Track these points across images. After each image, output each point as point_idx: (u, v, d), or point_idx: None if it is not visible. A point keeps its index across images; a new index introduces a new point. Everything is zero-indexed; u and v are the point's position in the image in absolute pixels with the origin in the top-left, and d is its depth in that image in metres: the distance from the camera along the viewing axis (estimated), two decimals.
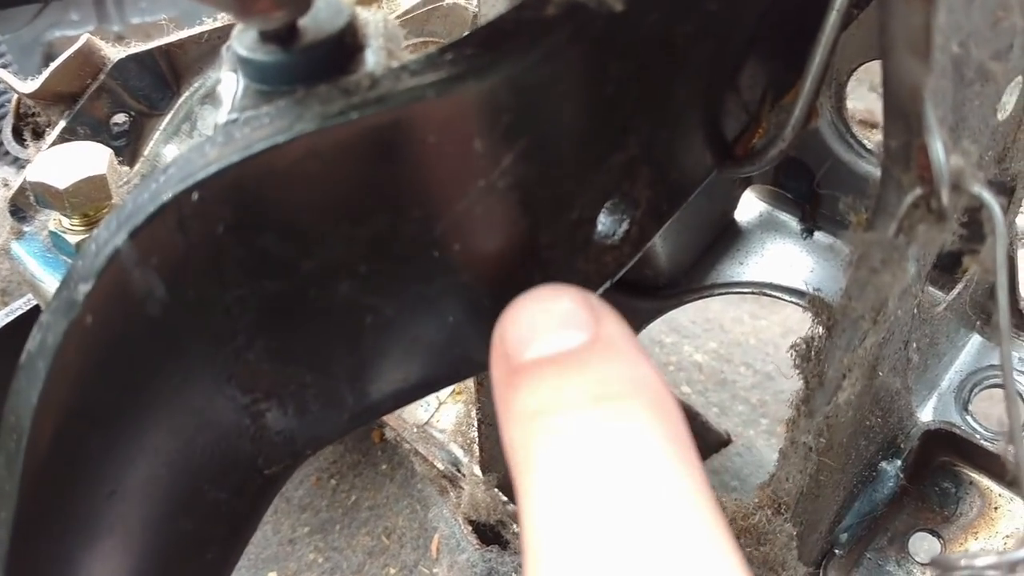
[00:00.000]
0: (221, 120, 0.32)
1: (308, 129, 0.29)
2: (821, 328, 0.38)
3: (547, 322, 0.34)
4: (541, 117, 0.32)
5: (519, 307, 0.35)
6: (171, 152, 0.55)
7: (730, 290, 0.62)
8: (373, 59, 0.35)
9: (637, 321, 0.63)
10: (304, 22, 0.33)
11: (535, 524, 0.30)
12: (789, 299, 0.59)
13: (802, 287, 0.59)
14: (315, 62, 0.33)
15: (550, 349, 0.33)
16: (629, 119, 0.36)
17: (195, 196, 0.28)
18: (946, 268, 0.53)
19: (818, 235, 0.63)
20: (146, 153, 0.54)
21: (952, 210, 0.31)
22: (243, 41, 0.33)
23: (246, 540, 0.39)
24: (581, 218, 0.36)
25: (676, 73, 0.38)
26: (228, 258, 0.30)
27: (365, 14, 0.37)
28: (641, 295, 0.61)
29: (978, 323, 0.55)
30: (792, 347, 0.40)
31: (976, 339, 0.55)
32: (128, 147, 0.60)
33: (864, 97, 1.11)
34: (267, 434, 0.36)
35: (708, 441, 0.77)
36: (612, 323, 0.34)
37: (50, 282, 0.55)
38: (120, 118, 0.60)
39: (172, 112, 0.60)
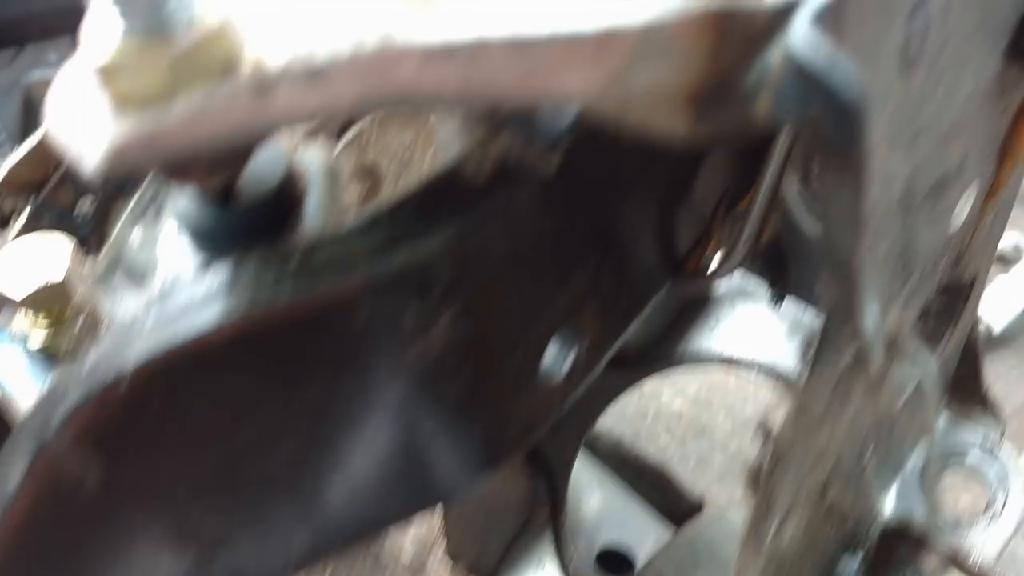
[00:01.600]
0: (155, 291, 0.32)
1: (240, 310, 0.29)
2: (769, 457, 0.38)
3: None
4: (477, 278, 0.32)
5: None
6: (137, 236, 0.54)
7: (700, 362, 0.62)
8: (314, 210, 0.35)
9: (607, 396, 0.62)
10: (242, 178, 0.33)
11: None
12: (759, 373, 0.59)
13: (772, 361, 0.59)
14: (253, 222, 0.33)
15: None
16: (574, 259, 0.35)
17: (122, 387, 0.28)
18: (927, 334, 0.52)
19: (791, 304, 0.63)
20: (113, 237, 0.53)
21: (886, 373, 0.31)
22: (179, 201, 0.33)
23: None
24: (524, 362, 0.36)
25: (623, 202, 0.37)
26: (161, 435, 0.30)
27: (306, 156, 0.36)
28: (610, 369, 0.61)
29: (943, 401, 0.55)
30: (745, 470, 0.40)
31: (942, 418, 0.54)
32: (95, 231, 0.60)
33: None
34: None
35: (680, 508, 0.77)
36: None
37: (13, 380, 0.55)
38: (85, 204, 0.59)
39: (138, 193, 0.59)
